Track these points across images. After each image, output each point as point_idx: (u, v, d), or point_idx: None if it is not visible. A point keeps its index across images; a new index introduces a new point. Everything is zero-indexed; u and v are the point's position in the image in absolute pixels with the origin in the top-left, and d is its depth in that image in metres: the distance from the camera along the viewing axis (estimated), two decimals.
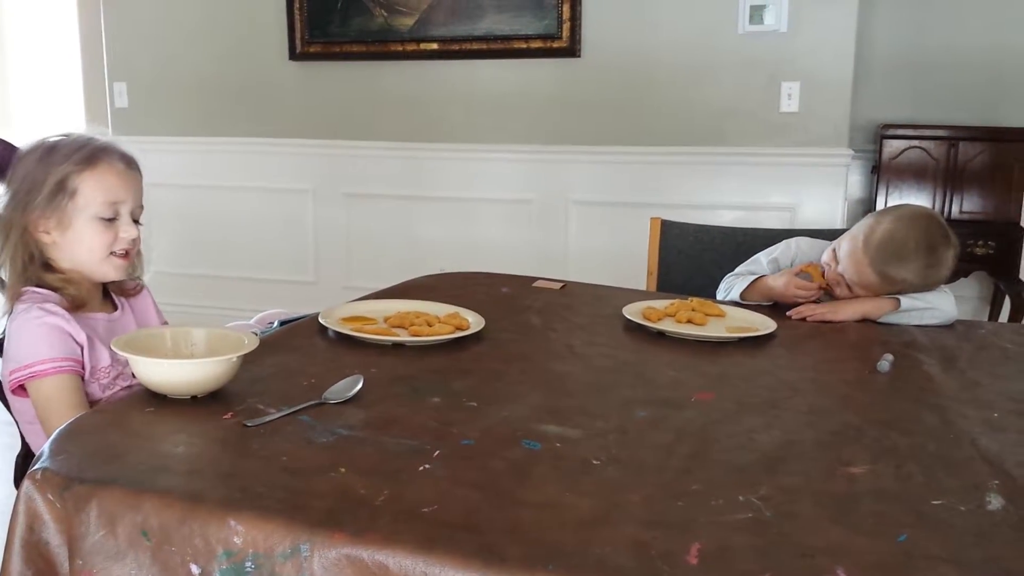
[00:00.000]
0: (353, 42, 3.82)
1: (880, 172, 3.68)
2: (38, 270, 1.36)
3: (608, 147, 3.63)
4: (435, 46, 3.73)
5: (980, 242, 3.54)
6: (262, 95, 3.95)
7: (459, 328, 1.37)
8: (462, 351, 1.31)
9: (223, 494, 0.81)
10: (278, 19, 3.90)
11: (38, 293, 1.33)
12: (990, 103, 3.76)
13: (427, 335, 1.33)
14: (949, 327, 1.55)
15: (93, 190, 1.36)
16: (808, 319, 1.54)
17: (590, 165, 3.67)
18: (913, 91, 3.87)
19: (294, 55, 3.88)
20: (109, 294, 1.45)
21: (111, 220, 1.37)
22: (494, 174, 3.80)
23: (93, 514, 0.82)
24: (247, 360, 1.09)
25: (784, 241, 1.83)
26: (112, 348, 1.08)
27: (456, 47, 3.71)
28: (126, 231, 1.38)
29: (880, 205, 3.67)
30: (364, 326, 1.38)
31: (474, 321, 1.42)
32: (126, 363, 1.27)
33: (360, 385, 1.08)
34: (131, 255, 1.41)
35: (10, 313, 1.33)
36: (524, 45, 3.62)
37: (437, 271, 2.02)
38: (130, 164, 1.42)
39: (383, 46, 3.79)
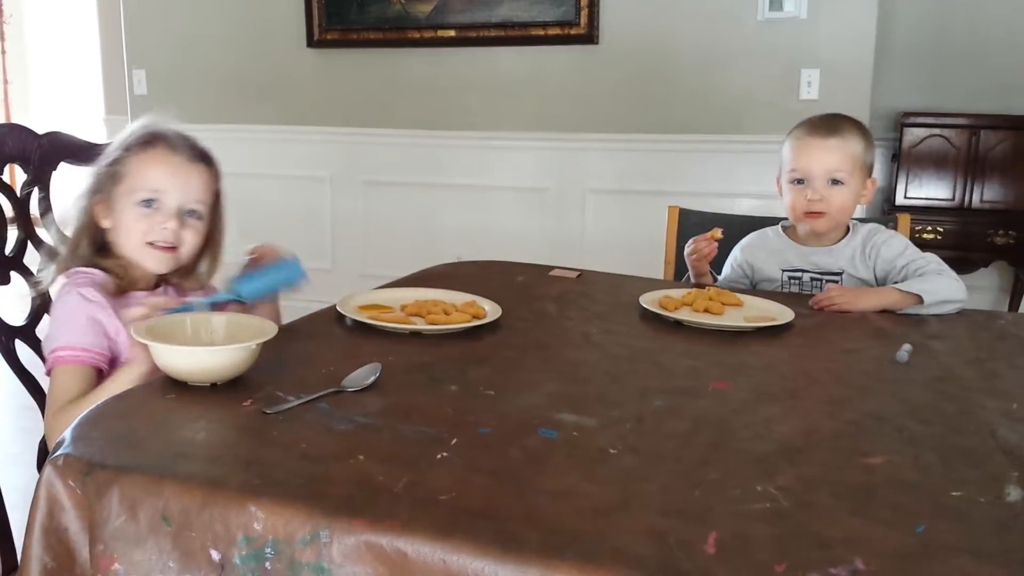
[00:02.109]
0: (371, 29, 3.83)
1: (900, 160, 3.65)
2: (92, 252, 1.37)
3: (625, 135, 3.62)
4: (452, 33, 3.73)
5: (1001, 232, 3.51)
6: (280, 83, 3.96)
7: (476, 316, 1.37)
8: (479, 339, 1.31)
9: (243, 480, 0.82)
10: (296, 7, 3.91)
11: (85, 275, 1.33)
12: (1012, 91, 3.72)
13: (444, 323, 1.33)
14: (968, 317, 1.54)
15: (136, 174, 1.35)
16: (827, 309, 1.54)
17: (607, 153, 3.66)
18: (934, 79, 3.83)
19: (312, 43, 3.89)
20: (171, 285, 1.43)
21: (151, 208, 1.35)
22: (511, 162, 3.80)
23: (114, 500, 0.83)
24: (266, 347, 1.10)
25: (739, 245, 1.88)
26: (131, 335, 1.08)
27: (474, 34, 3.70)
28: (164, 222, 1.35)
29: (900, 194, 3.65)
30: (381, 314, 1.38)
31: (491, 310, 1.42)
32: None
33: (378, 373, 1.09)
34: (178, 251, 1.37)
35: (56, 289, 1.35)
36: (542, 32, 3.62)
37: (454, 259, 2.02)
38: (193, 157, 1.38)
39: (400, 33, 3.80)
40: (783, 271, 1.80)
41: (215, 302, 1.30)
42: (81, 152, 1.50)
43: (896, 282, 1.62)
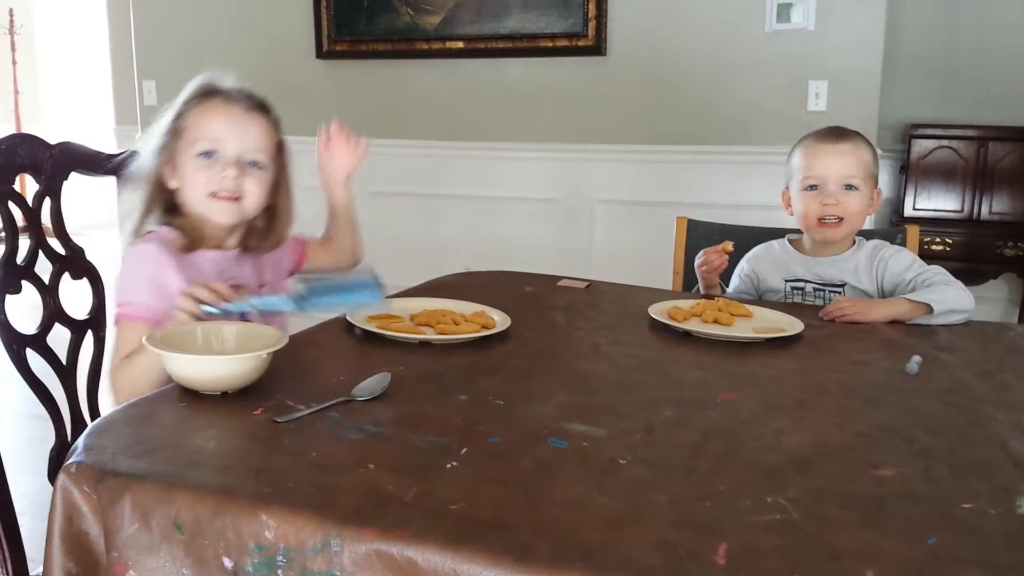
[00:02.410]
0: (379, 41, 3.85)
1: (909, 172, 3.65)
2: (163, 215, 1.40)
3: (633, 146, 3.62)
4: (461, 44, 3.75)
5: (1010, 243, 3.50)
6: (289, 93, 3.96)
7: (485, 327, 1.38)
8: (488, 349, 1.31)
9: (254, 489, 0.82)
10: (305, 18, 3.93)
11: (155, 232, 1.37)
12: (1020, 103, 3.72)
13: (453, 333, 1.34)
14: (978, 329, 1.53)
15: (195, 127, 1.37)
16: (838, 320, 1.54)
17: (615, 164, 3.67)
18: (942, 90, 3.83)
19: (321, 54, 3.91)
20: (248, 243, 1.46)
21: (212, 159, 1.36)
22: (519, 172, 3.81)
23: (127, 507, 0.83)
24: (276, 356, 1.10)
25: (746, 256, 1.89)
26: (144, 343, 1.09)
27: (482, 45, 3.72)
28: (225, 170, 1.36)
29: (908, 206, 3.64)
30: (391, 324, 1.39)
31: (500, 320, 1.42)
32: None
33: (388, 383, 1.09)
34: (242, 202, 1.39)
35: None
36: (550, 43, 3.63)
37: (462, 270, 2.03)
38: (250, 108, 1.40)
39: (409, 44, 3.81)
40: (786, 281, 1.80)
41: (268, 308, 1.23)
42: (92, 162, 1.51)
43: (905, 294, 1.62)
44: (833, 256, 1.77)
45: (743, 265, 1.87)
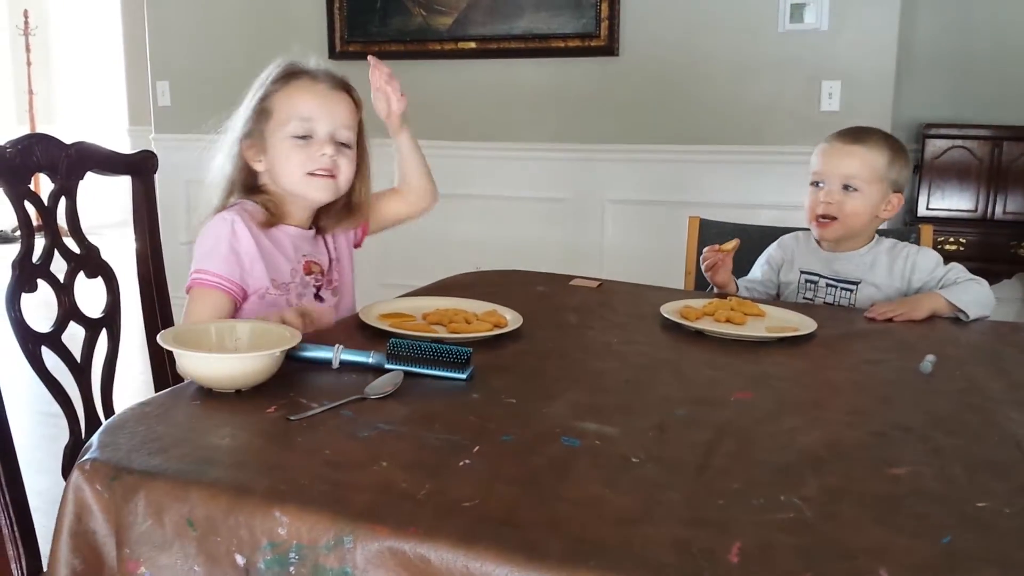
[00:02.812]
0: (392, 41, 3.85)
1: (922, 172, 3.63)
2: (245, 192, 1.44)
3: (645, 146, 3.62)
4: (473, 45, 3.75)
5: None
6: None
7: (497, 325, 1.38)
8: (500, 348, 1.31)
9: (268, 486, 0.83)
10: (318, 18, 3.94)
11: (240, 204, 1.41)
12: None
13: (466, 332, 1.34)
14: (992, 328, 1.53)
15: (285, 108, 1.40)
16: (895, 319, 1.55)
17: (627, 164, 3.66)
18: (956, 90, 3.81)
19: (333, 54, 3.92)
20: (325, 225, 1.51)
21: (306, 139, 1.40)
22: (531, 172, 3.81)
23: (140, 504, 0.84)
24: (289, 354, 1.11)
25: (777, 240, 1.90)
26: (158, 341, 1.10)
27: (494, 46, 3.72)
28: (321, 149, 1.40)
29: (922, 205, 3.63)
30: (403, 323, 1.39)
31: (512, 319, 1.42)
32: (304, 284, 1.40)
33: (400, 381, 1.09)
34: (337, 179, 1.43)
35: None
36: (562, 44, 3.63)
37: (473, 268, 2.03)
38: (335, 86, 1.44)
39: (422, 45, 3.82)
40: (801, 272, 1.81)
41: (353, 362, 1.17)
42: (107, 162, 1.52)
43: (935, 290, 1.65)
44: (850, 252, 1.78)
45: (771, 252, 1.89)
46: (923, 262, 1.72)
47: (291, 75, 1.43)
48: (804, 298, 1.81)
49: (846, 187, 1.73)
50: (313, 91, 1.42)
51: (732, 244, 1.72)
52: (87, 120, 7.06)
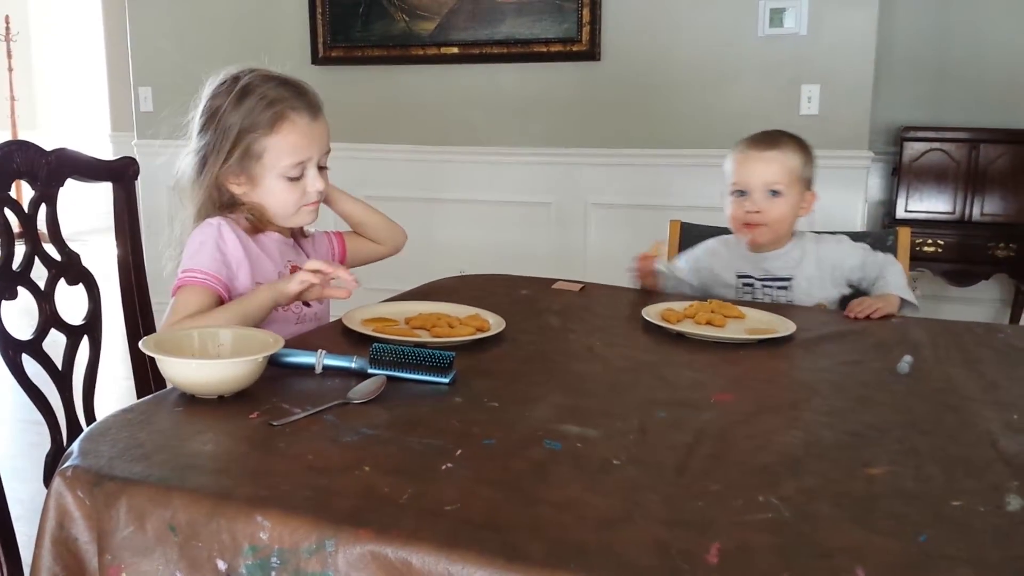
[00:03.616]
0: (375, 47, 3.86)
1: (900, 174, 3.67)
2: (224, 207, 1.47)
3: (627, 150, 3.64)
4: (456, 50, 3.76)
5: (1001, 244, 3.52)
6: None
7: (480, 329, 1.38)
8: (483, 352, 1.32)
9: (250, 492, 0.83)
10: (301, 24, 3.94)
11: (220, 216, 1.44)
12: (1011, 105, 3.74)
13: (448, 336, 1.34)
14: (969, 330, 1.54)
15: (278, 153, 1.43)
16: (872, 316, 1.59)
17: (609, 168, 3.68)
18: (934, 93, 3.85)
19: (316, 60, 3.92)
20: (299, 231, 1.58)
21: (298, 179, 1.45)
22: (514, 177, 3.82)
23: (122, 510, 0.84)
24: (272, 360, 1.11)
25: (702, 243, 1.97)
26: (140, 348, 1.10)
27: (476, 51, 3.73)
28: (313, 185, 1.46)
29: (900, 207, 3.66)
30: (386, 327, 1.39)
31: (495, 322, 1.43)
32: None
33: (383, 385, 1.10)
34: (320, 201, 1.50)
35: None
36: (544, 49, 3.64)
37: (457, 273, 2.03)
38: (316, 115, 1.47)
39: (404, 50, 3.82)
40: (738, 276, 1.87)
41: (336, 367, 1.17)
42: (88, 169, 1.52)
43: (870, 279, 1.77)
44: (776, 251, 1.84)
45: (698, 254, 1.94)
46: (850, 260, 1.81)
47: (280, 117, 1.43)
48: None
49: (772, 192, 1.79)
50: (303, 131, 1.44)
51: (658, 247, 1.80)
52: (69, 126, 7.01)
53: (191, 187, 1.48)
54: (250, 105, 1.44)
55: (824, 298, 1.81)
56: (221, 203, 1.48)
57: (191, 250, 1.40)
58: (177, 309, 1.35)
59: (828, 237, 1.87)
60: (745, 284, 1.86)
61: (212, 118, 1.46)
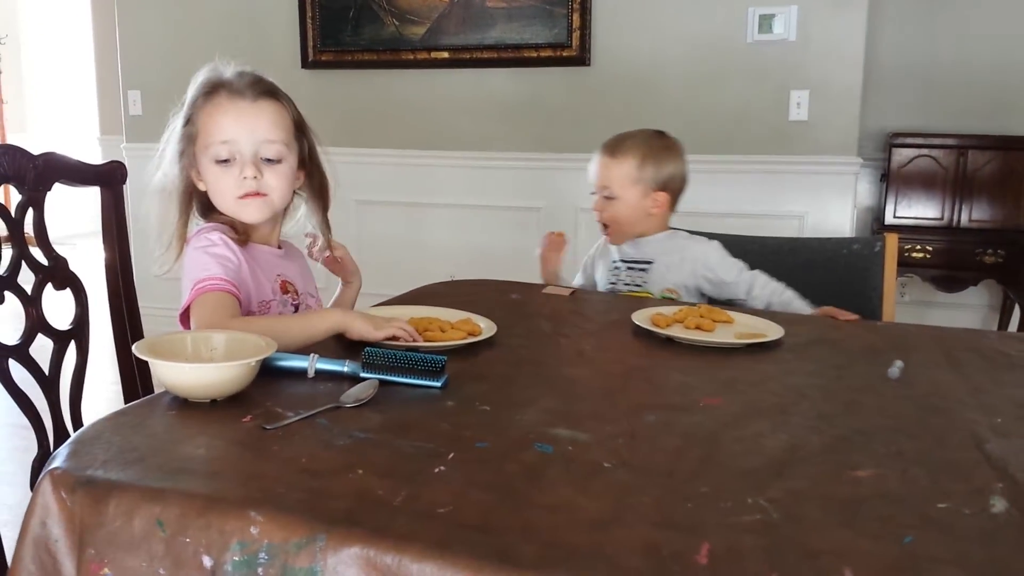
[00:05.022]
0: (364, 51, 3.86)
1: (889, 180, 3.69)
2: (204, 214, 1.41)
3: None
4: (446, 55, 3.76)
5: (989, 251, 3.55)
6: None
7: (471, 334, 1.39)
8: (474, 356, 1.32)
9: (243, 494, 0.83)
10: (290, 28, 3.94)
11: (211, 225, 1.38)
12: (999, 112, 3.77)
13: (440, 340, 1.35)
14: (955, 335, 1.56)
15: (207, 129, 1.35)
16: (841, 320, 1.67)
17: None
18: (922, 99, 3.88)
19: (306, 63, 3.92)
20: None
21: (229, 161, 1.34)
22: (504, 181, 3.82)
23: (111, 506, 0.83)
24: (265, 364, 1.11)
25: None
26: (134, 351, 1.10)
27: (467, 56, 3.74)
28: (242, 172, 1.34)
29: (889, 213, 3.68)
30: None
31: (486, 327, 1.43)
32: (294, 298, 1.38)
33: (375, 389, 1.10)
34: (269, 197, 1.37)
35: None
36: (534, 54, 3.65)
37: (447, 278, 2.04)
38: (258, 96, 1.36)
39: (394, 55, 3.83)
40: (612, 261, 2.03)
41: (329, 371, 1.17)
42: (76, 173, 1.51)
43: (743, 295, 1.89)
44: (642, 240, 2.00)
45: (591, 251, 2.14)
46: (714, 259, 1.92)
47: (211, 91, 1.36)
48: (610, 283, 2.02)
49: (606, 197, 1.96)
50: (233, 109, 1.34)
51: (559, 235, 2.03)
52: (58, 129, 6.99)
53: (174, 194, 1.43)
54: (195, 81, 1.39)
55: (677, 284, 1.93)
56: (201, 208, 1.43)
57: (196, 262, 1.34)
58: (204, 318, 1.26)
59: (700, 238, 1.99)
60: (615, 268, 2.03)
61: (180, 113, 1.42)
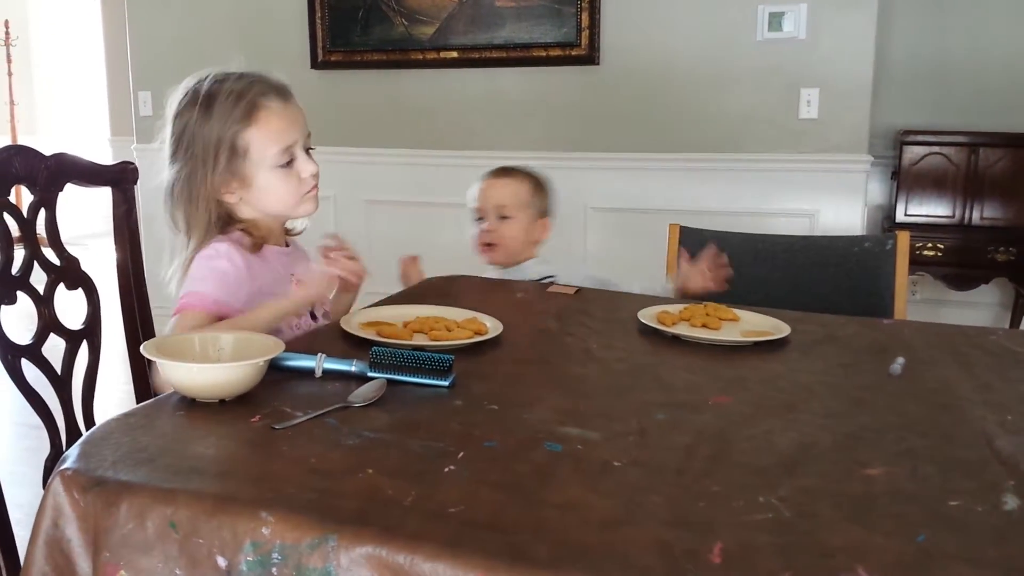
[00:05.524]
0: (374, 51, 3.86)
1: (900, 178, 3.68)
2: (223, 225, 1.45)
3: (626, 154, 3.64)
4: (455, 54, 3.76)
5: (1001, 248, 3.53)
6: None
7: (478, 332, 1.39)
8: (481, 355, 1.32)
9: (254, 495, 0.83)
10: (300, 28, 3.94)
11: (227, 236, 1.43)
12: (1011, 109, 3.75)
13: (447, 340, 1.35)
14: (962, 332, 1.55)
15: (263, 143, 1.41)
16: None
17: (608, 172, 3.68)
18: (933, 97, 3.86)
19: (316, 64, 3.92)
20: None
21: (289, 164, 1.42)
22: None
23: (123, 508, 0.83)
24: (273, 363, 1.11)
25: None
26: (142, 352, 1.10)
27: (476, 55, 3.74)
28: (306, 168, 1.44)
29: (900, 211, 3.67)
30: (385, 331, 1.39)
31: (492, 326, 1.43)
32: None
33: (384, 389, 1.10)
34: (316, 184, 1.47)
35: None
36: (543, 53, 3.65)
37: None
38: (287, 98, 1.45)
39: (403, 55, 3.83)
40: None
41: (336, 370, 1.17)
42: (87, 173, 1.52)
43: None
44: (518, 267, 2.06)
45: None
46: (573, 273, 2.02)
47: (253, 107, 1.41)
48: None
49: (500, 216, 2.01)
50: (280, 116, 1.42)
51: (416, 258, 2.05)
52: (69, 130, 7.02)
53: (185, 211, 1.45)
54: (220, 108, 1.42)
55: None
56: (220, 221, 1.45)
57: (196, 273, 1.39)
58: (176, 330, 1.33)
59: (566, 263, 2.12)
60: None
61: (183, 136, 1.44)
